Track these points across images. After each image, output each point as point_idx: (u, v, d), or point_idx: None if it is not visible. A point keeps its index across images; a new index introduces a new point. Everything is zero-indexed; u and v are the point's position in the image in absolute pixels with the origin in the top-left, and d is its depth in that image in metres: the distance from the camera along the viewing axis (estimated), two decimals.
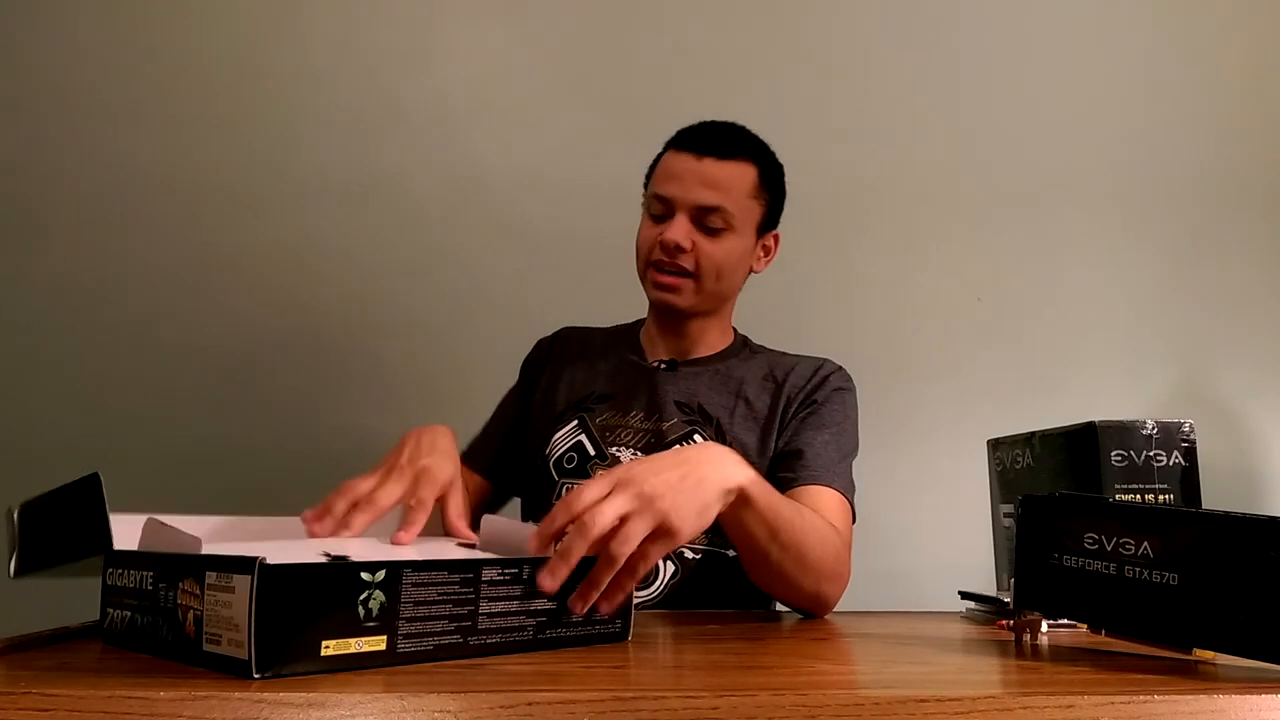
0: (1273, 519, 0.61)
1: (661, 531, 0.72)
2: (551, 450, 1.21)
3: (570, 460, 1.19)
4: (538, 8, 1.81)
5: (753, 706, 0.51)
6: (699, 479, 0.77)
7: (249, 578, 0.56)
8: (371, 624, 0.60)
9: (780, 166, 1.26)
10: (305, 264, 1.77)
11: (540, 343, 1.36)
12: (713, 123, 1.22)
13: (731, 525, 0.88)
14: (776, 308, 1.69)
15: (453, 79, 1.80)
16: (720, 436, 1.17)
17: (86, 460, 1.68)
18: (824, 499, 1.08)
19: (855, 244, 1.77)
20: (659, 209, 1.19)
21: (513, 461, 1.27)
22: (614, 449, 1.18)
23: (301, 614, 0.57)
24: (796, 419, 1.18)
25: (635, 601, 0.80)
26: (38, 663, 0.63)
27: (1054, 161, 1.78)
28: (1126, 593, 0.66)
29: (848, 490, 1.12)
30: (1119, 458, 0.94)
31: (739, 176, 1.18)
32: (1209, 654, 0.64)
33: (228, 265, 1.76)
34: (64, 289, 1.75)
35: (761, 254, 1.26)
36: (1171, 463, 0.95)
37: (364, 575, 0.60)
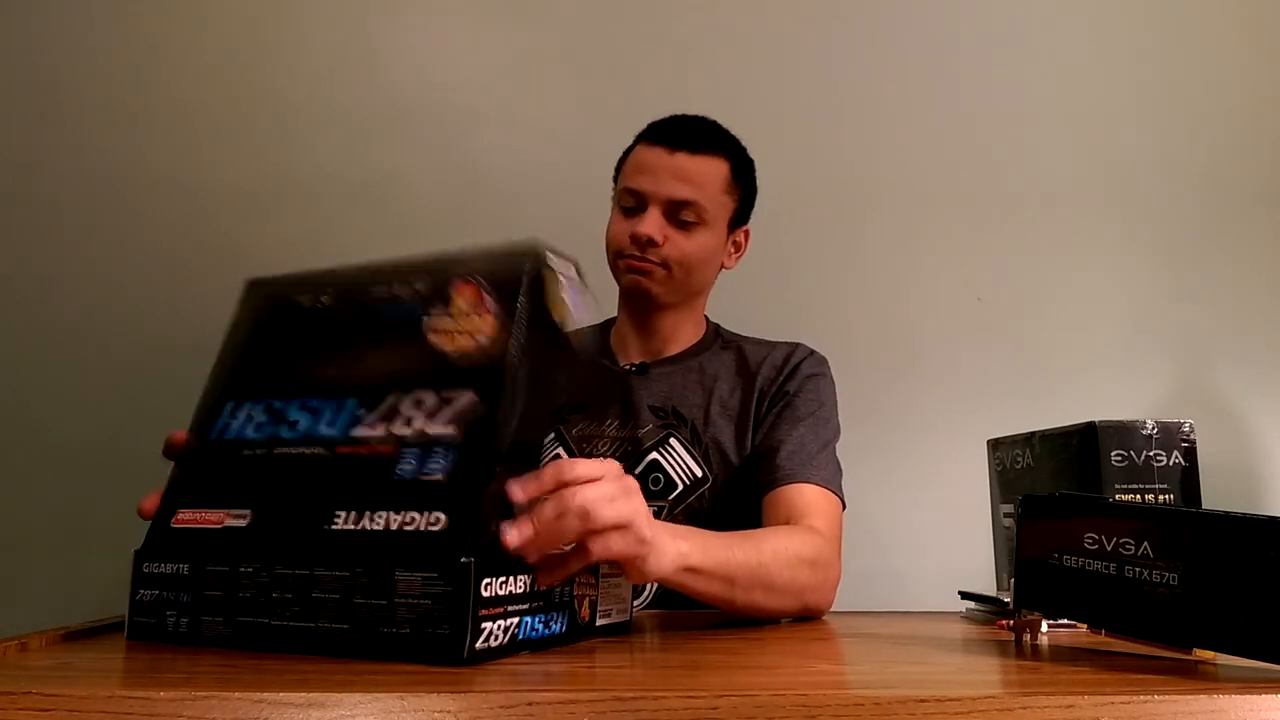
0: (1273, 519, 0.61)
1: (632, 536, 0.70)
2: None
3: None
4: (538, 7, 1.81)
5: (753, 706, 0.51)
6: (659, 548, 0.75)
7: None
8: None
9: (751, 162, 1.25)
10: (305, 264, 1.76)
11: None
12: (685, 116, 1.21)
13: (684, 591, 0.83)
14: (776, 307, 1.69)
15: (453, 79, 1.80)
16: (696, 438, 1.16)
17: (84, 458, 1.68)
18: (804, 496, 1.06)
19: (855, 244, 1.77)
20: (630, 202, 1.17)
21: None
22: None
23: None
24: (771, 414, 1.17)
25: None
26: (38, 663, 0.64)
27: (1054, 161, 1.78)
28: (1126, 593, 0.66)
29: (831, 480, 1.10)
30: (1119, 458, 0.94)
31: (712, 171, 1.17)
32: (1209, 654, 0.64)
33: (228, 265, 1.76)
34: (65, 287, 1.75)
35: (732, 250, 1.26)
36: (1171, 463, 0.95)
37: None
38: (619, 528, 0.69)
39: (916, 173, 1.77)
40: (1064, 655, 0.71)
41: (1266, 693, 0.53)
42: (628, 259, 1.17)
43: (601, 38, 1.80)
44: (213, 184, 1.76)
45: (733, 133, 1.23)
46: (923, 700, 0.51)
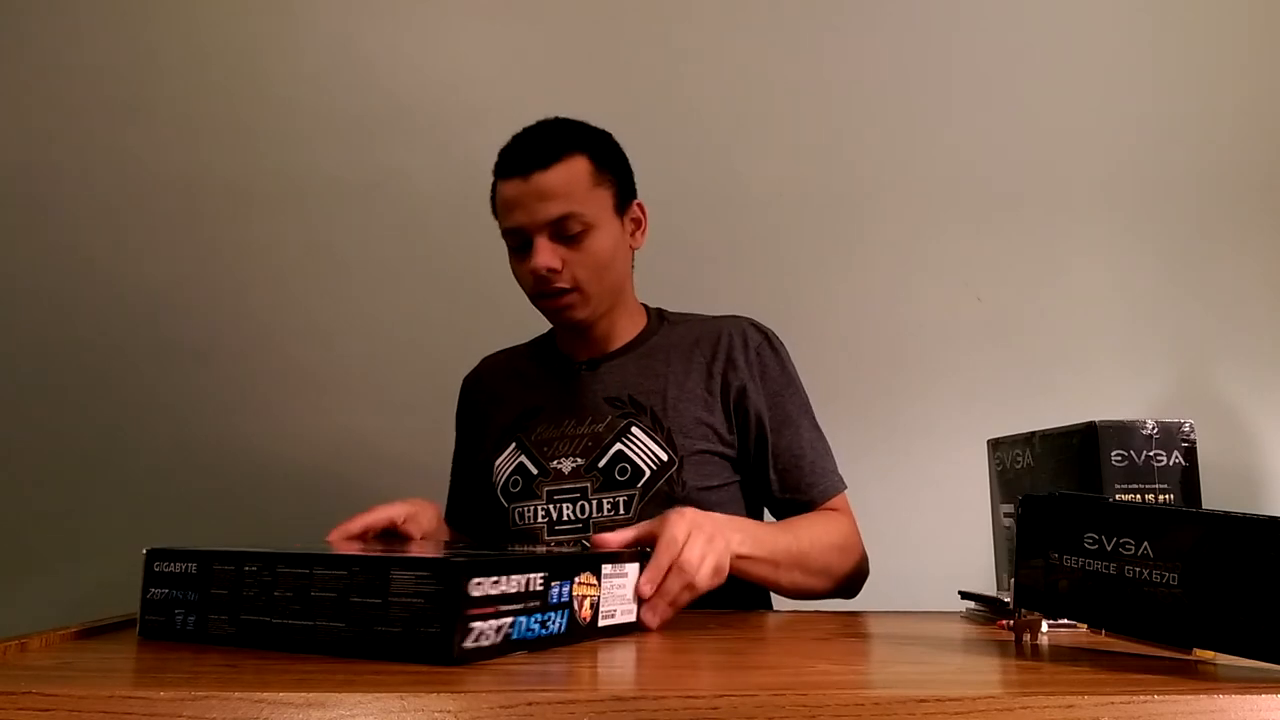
0: (1273, 519, 0.61)
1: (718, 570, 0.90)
2: (497, 477, 1.21)
3: (515, 484, 1.19)
4: (537, 7, 1.81)
5: (753, 706, 0.51)
6: (724, 542, 0.92)
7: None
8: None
9: (607, 139, 1.21)
10: (305, 263, 1.77)
11: (465, 381, 1.35)
12: (525, 132, 1.18)
13: (741, 576, 0.98)
14: (776, 307, 1.69)
15: (453, 79, 1.80)
16: (657, 423, 1.16)
17: (83, 456, 1.69)
18: (833, 502, 1.19)
19: (855, 244, 1.77)
20: (515, 242, 1.16)
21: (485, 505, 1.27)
22: (554, 462, 1.18)
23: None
24: (767, 406, 1.18)
25: None
26: (38, 663, 0.64)
27: (1054, 161, 1.78)
28: (1126, 593, 0.66)
29: (839, 480, 1.20)
30: (1119, 458, 0.94)
31: (572, 174, 1.13)
32: (1209, 654, 0.64)
33: (228, 264, 1.76)
34: (65, 287, 1.75)
35: (633, 228, 1.22)
36: (1171, 463, 0.94)
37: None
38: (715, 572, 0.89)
39: (917, 173, 1.77)
40: (1064, 655, 0.71)
41: (1266, 693, 0.53)
42: (542, 297, 1.16)
43: (602, 38, 1.80)
44: (213, 184, 1.76)
45: (581, 120, 1.20)
46: (923, 700, 0.51)
